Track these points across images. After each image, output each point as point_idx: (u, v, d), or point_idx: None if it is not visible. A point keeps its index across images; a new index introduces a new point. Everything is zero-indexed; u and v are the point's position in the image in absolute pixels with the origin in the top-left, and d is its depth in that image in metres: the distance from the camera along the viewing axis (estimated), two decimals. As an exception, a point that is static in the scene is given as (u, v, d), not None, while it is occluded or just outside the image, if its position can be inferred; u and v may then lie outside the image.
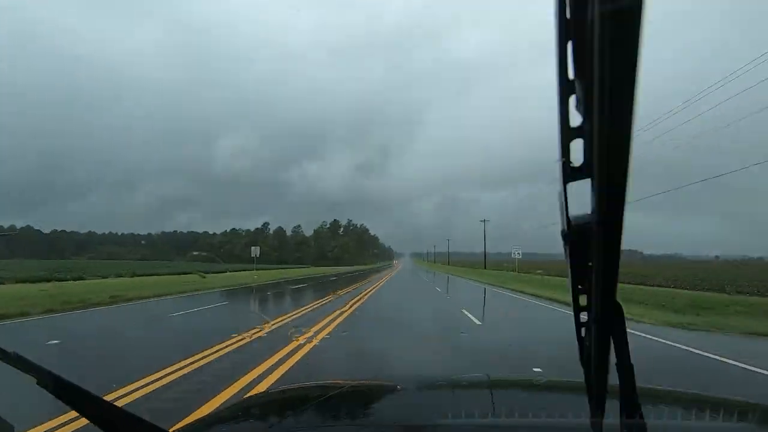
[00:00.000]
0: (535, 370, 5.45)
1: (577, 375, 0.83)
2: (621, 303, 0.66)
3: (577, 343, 0.73)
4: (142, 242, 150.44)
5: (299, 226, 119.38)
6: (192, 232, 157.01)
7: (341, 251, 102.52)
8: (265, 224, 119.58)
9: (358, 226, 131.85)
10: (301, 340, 7.39)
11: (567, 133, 0.53)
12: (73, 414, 3.34)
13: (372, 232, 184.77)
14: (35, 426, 3.44)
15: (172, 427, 1.05)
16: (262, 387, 4.64)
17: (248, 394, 3.46)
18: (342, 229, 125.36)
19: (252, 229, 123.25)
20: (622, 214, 0.54)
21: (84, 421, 2.37)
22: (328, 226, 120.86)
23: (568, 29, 0.48)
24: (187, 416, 3.30)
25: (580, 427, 0.99)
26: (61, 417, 3.56)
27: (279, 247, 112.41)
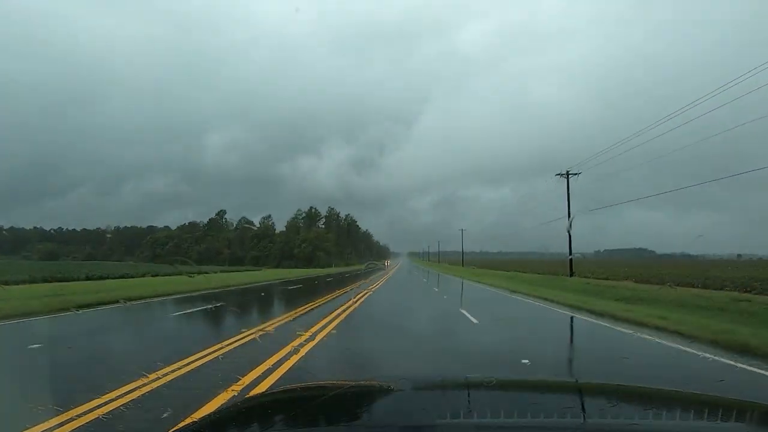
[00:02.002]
0: (523, 361, 5.69)
1: (576, 375, 0.77)
2: None
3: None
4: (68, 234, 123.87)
5: (269, 216, 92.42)
6: (151, 227, 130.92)
7: (312, 248, 75.60)
8: (221, 213, 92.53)
9: (343, 217, 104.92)
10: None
11: None
12: (72, 414, 3.55)
13: (366, 228, 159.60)
14: (33, 426, 3.32)
15: (172, 427, 1.07)
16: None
17: (249, 395, 3.66)
18: (323, 220, 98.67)
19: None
20: None
21: (81, 421, 3.42)
22: (303, 215, 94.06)
23: None
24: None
25: (578, 427, 1.00)
26: (59, 417, 3.49)
27: (237, 243, 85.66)
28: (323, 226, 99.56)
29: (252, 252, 79.63)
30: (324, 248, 76.70)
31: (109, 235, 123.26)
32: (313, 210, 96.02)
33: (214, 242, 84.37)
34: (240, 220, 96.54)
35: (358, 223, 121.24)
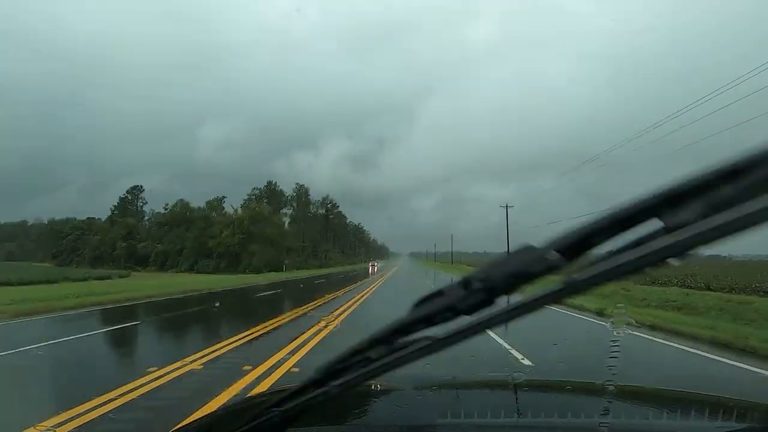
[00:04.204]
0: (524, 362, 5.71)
1: (575, 375, 0.97)
2: None
3: None
4: None
5: (220, 198, 56.29)
6: (90, 218, 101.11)
7: (243, 238, 44.35)
8: (135, 190, 61.35)
9: (317, 200, 73.29)
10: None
11: None
12: (71, 414, 3.52)
13: (360, 222, 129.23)
14: (30, 426, 3.27)
15: (172, 427, 1.08)
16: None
17: (249, 394, 3.62)
18: (288, 203, 68.08)
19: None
20: None
21: (79, 421, 3.44)
22: (258, 193, 62.69)
23: None
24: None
25: (578, 426, 1.01)
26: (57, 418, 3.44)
27: (143, 234, 55.00)
28: (289, 210, 69.41)
29: (159, 246, 49.40)
30: (265, 239, 45.52)
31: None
32: (274, 186, 65.14)
33: (108, 234, 54.11)
34: (177, 203, 63.81)
35: (342, 211, 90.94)
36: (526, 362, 5.96)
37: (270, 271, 38.61)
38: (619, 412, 1.04)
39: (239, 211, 47.23)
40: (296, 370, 5.26)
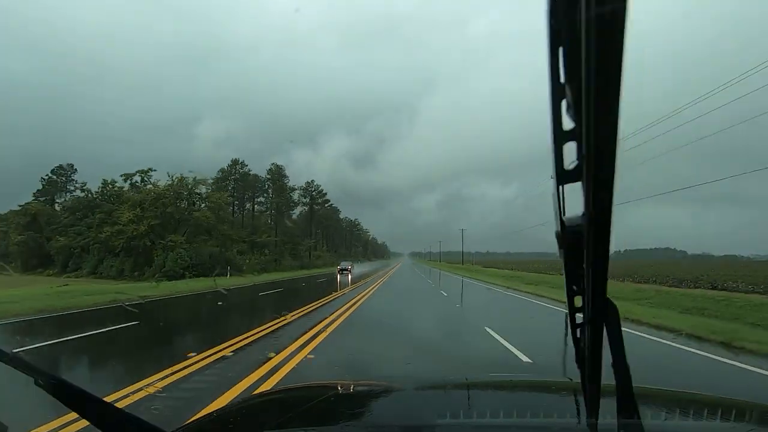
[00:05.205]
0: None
1: (575, 375, 0.92)
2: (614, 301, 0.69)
3: (573, 344, 0.78)
4: None
5: (147, 171, 36.40)
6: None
7: (158, 224, 29.90)
8: (62, 170, 47.12)
9: (300, 186, 58.46)
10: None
11: (560, 136, 0.52)
12: (72, 416, 3.39)
13: (362, 223, 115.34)
14: (34, 428, 3.23)
15: (173, 428, 1.10)
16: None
17: (253, 393, 3.62)
18: (264, 190, 54.06)
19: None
20: (610, 216, 0.55)
21: (82, 422, 2.88)
22: (222, 172, 48.21)
23: (558, 34, 0.48)
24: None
25: (577, 427, 1.02)
26: (59, 419, 3.34)
27: (43, 226, 40.95)
28: (266, 201, 55.65)
29: (62, 240, 35.84)
30: (196, 226, 31.49)
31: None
32: (241, 166, 51.12)
33: (10, 226, 40.45)
34: (128, 180, 46.64)
35: (336, 206, 77.16)
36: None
37: (198, 275, 25.20)
38: (617, 413, 1.03)
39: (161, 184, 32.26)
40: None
